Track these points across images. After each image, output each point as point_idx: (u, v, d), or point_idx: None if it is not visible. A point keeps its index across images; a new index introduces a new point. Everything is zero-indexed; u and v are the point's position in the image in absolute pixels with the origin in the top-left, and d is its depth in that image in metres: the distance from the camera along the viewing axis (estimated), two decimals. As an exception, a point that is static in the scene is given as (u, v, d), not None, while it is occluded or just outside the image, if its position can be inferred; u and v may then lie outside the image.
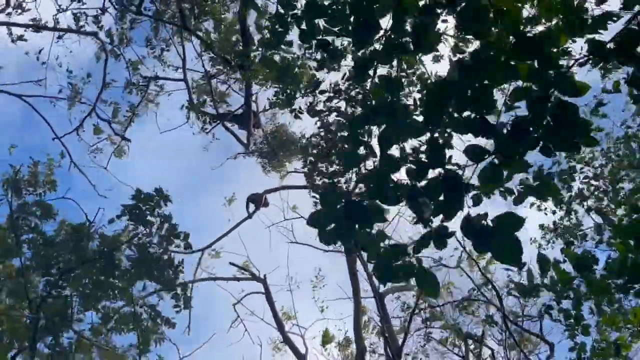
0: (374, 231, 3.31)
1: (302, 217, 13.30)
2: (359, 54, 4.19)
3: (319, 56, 5.95)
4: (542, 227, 11.72)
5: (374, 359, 13.60)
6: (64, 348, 8.57)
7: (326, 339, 13.52)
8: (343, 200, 3.31)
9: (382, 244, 3.22)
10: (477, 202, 3.24)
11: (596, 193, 11.01)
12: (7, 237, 8.94)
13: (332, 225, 3.29)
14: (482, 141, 3.43)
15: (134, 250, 8.78)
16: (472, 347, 12.77)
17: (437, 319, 13.04)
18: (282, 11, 4.51)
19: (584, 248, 10.00)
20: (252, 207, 12.77)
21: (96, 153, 12.80)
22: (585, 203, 11.13)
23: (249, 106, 10.77)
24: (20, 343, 8.75)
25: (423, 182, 3.26)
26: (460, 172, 3.30)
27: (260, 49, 8.42)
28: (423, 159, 3.29)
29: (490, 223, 3.10)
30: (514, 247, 3.05)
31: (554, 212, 11.37)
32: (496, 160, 3.26)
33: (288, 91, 8.31)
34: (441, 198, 3.20)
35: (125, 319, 8.87)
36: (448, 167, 3.27)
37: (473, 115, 3.28)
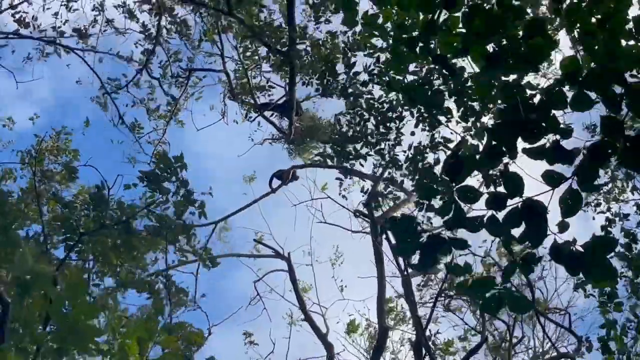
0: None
1: (329, 197, 13.14)
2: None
3: None
4: None
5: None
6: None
7: (352, 327, 13.67)
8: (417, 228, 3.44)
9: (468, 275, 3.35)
10: (562, 229, 3.31)
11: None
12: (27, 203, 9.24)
13: (417, 256, 3.42)
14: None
15: (151, 218, 8.77)
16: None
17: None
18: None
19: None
20: (276, 183, 12.76)
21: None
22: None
23: (292, 95, 10.84)
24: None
25: (503, 212, 3.35)
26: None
27: None
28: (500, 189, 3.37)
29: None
30: (608, 270, 3.17)
31: None
32: (574, 185, 3.34)
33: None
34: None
35: (139, 285, 8.86)
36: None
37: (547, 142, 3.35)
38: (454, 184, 3.26)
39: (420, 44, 3.71)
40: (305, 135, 12.90)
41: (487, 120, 7.66)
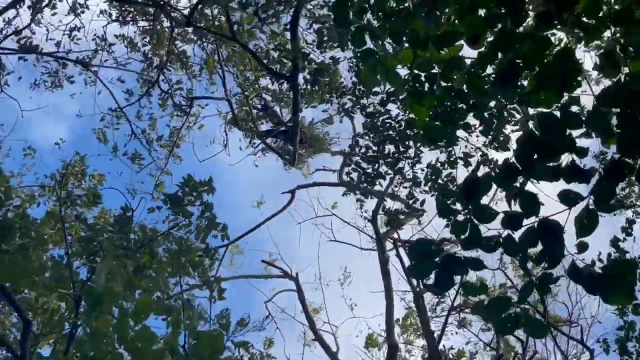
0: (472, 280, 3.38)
1: (334, 214, 13.53)
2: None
3: None
4: None
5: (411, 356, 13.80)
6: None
7: (371, 342, 13.61)
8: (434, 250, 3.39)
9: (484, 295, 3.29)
10: (581, 249, 3.27)
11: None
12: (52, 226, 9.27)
13: (431, 276, 3.36)
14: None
15: (172, 242, 8.61)
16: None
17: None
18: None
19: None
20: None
21: None
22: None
23: (295, 121, 10.85)
24: (59, 328, 8.98)
25: (519, 232, 3.31)
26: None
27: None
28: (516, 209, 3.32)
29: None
30: (627, 291, 3.13)
31: None
32: (591, 205, 3.29)
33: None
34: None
35: (158, 309, 8.88)
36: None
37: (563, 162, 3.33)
38: (469, 204, 3.21)
39: (443, 83, 3.72)
40: (311, 153, 12.97)
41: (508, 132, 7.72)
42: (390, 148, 9.30)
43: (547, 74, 3.48)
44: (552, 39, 4.63)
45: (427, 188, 9.15)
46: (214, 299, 8.97)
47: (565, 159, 3.32)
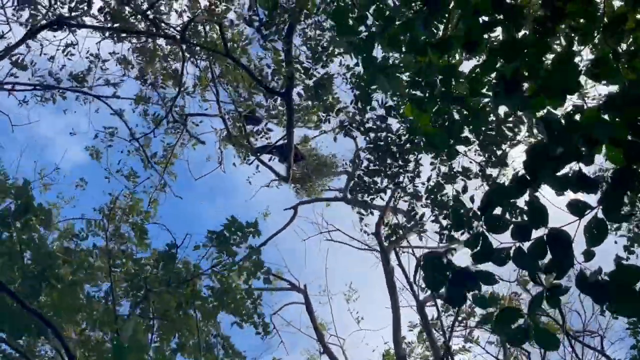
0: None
1: (338, 229, 13.53)
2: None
3: None
4: None
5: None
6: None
7: (388, 358, 13.52)
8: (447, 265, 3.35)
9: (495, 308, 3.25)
10: (588, 258, 3.24)
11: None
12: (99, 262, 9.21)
13: (444, 289, 3.33)
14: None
15: (215, 280, 8.78)
16: None
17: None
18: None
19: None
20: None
21: None
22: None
23: (290, 138, 10.83)
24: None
25: (528, 243, 3.28)
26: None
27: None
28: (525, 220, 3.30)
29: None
30: (635, 300, 3.08)
31: None
32: (600, 214, 3.27)
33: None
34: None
35: (195, 351, 8.89)
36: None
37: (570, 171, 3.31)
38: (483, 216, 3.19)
39: (442, 89, 3.71)
40: (310, 171, 12.95)
41: (506, 148, 7.71)
42: (390, 162, 9.27)
43: (548, 79, 3.46)
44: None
45: (427, 202, 9.13)
46: (261, 334, 9.01)
47: (572, 168, 3.32)
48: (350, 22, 3.96)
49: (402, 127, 9.06)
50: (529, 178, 3.21)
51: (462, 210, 3.34)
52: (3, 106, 12.57)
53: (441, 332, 12.00)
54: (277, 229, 13.47)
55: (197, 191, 21.12)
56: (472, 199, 3.71)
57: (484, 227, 3.21)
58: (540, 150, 3.21)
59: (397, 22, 4.00)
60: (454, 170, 8.78)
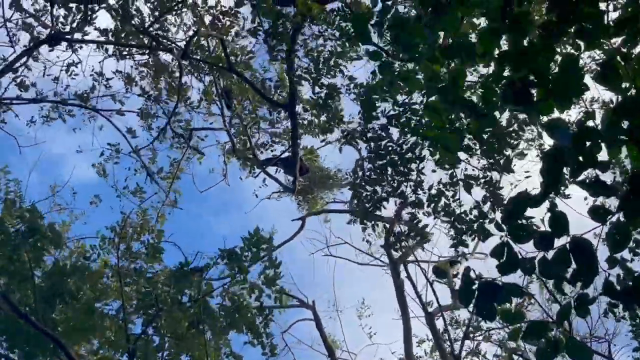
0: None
1: (346, 242, 13.52)
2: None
3: None
4: None
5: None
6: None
7: None
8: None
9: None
10: (612, 264, 3.21)
11: None
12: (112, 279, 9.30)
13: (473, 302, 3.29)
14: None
15: (226, 298, 8.74)
16: None
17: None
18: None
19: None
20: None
21: None
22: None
23: (295, 150, 10.82)
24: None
25: (551, 252, 3.24)
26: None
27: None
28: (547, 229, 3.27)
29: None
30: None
31: None
32: (622, 218, 3.24)
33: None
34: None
35: None
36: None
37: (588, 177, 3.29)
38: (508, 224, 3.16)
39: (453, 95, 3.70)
40: (314, 184, 12.92)
41: (511, 154, 7.68)
42: (392, 171, 9.24)
43: (555, 83, 3.44)
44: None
45: (430, 210, 9.10)
46: (268, 355, 8.95)
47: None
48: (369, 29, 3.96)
49: (403, 137, 9.02)
50: (549, 184, 3.18)
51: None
52: (11, 127, 12.53)
53: (449, 345, 11.93)
54: (282, 240, 13.41)
55: (206, 205, 21.11)
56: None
57: (509, 237, 3.18)
58: (558, 156, 3.19)
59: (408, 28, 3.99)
60: (455, 177, 8.75)
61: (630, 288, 3.21)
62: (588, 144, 3.24)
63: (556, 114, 3.48)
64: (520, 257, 3.24)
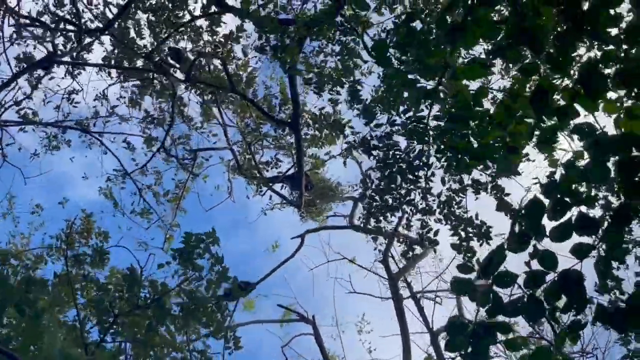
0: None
1: (346, 257, 13.67)
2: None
3: None
4: None
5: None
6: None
7: None
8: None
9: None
10: (602, 292, 3.45)
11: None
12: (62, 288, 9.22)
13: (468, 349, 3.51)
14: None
15: (183, 297, 8.74)
16: None
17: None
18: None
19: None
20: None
21: None
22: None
23: (301, 167, 11.01)
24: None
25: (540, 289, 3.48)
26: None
27: None
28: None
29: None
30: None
31: None
32: (603, 253, 3.48)
33: None
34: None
35: None
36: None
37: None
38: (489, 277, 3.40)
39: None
40: (316, 197, 13.10)
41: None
42: (400, 180, 9.39)
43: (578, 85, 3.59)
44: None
45: (441, 216, 9.28)
46: (231, 349, 9.11)
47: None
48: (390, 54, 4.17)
49: (411, 145, 9.14)
50: (529, 235, 3.41)
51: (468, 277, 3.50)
52: (15, 159, 12.87)
53: None
54: (287, 255, 13.49)
55: (214, 223, 21.31)
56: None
57: (493, 284, 3.41)
58: (539, 205, 3.43)
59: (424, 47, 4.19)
60: (465, 183, 8.94)
61: (622, 310, 3.38)
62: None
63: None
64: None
